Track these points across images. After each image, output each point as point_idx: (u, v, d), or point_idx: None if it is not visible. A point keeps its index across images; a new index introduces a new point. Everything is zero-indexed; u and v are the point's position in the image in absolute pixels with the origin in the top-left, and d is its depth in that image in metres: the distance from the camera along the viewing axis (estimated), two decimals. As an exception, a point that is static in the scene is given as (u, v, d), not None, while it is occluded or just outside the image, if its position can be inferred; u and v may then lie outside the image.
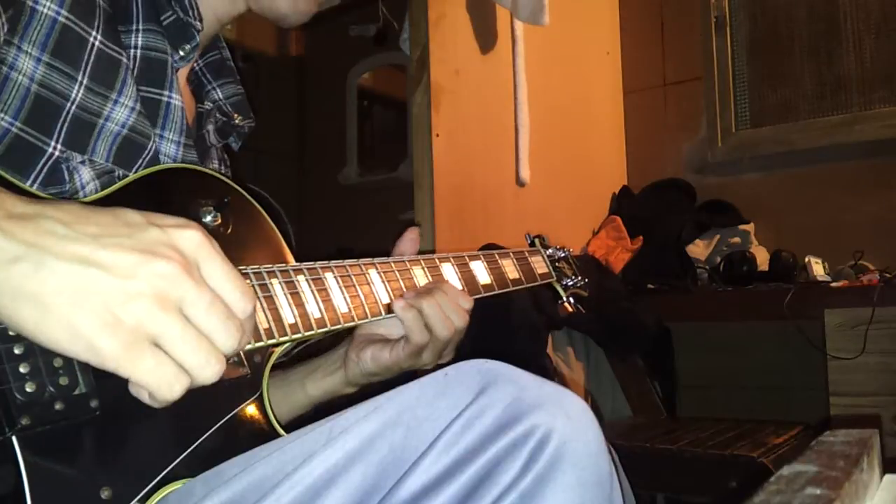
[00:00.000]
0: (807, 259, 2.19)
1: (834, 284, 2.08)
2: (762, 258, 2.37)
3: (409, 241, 0.96)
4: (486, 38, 2.20)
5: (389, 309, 0.85)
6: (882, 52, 2.53)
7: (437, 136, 1.96)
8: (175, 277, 0.50)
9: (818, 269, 2.18)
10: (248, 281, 0.67)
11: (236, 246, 0.73)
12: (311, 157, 3.53)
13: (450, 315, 0.87)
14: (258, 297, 0.68)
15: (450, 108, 2.01)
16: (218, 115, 0.96)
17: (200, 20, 0.84)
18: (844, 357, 1.89)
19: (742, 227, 2.57)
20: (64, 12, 0.70)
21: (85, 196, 0.70)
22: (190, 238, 0.53)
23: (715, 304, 2.31)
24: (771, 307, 2.09)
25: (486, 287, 0.98)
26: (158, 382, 0.49)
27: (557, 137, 2.48)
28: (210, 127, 0.94)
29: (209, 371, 0.51)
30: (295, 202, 3.42)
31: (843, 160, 2.50)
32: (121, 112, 0.74)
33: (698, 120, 2.81)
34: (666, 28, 2.91)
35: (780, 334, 2.34)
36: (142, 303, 0.49)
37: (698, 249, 2.57)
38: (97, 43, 0.73)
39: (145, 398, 0.52)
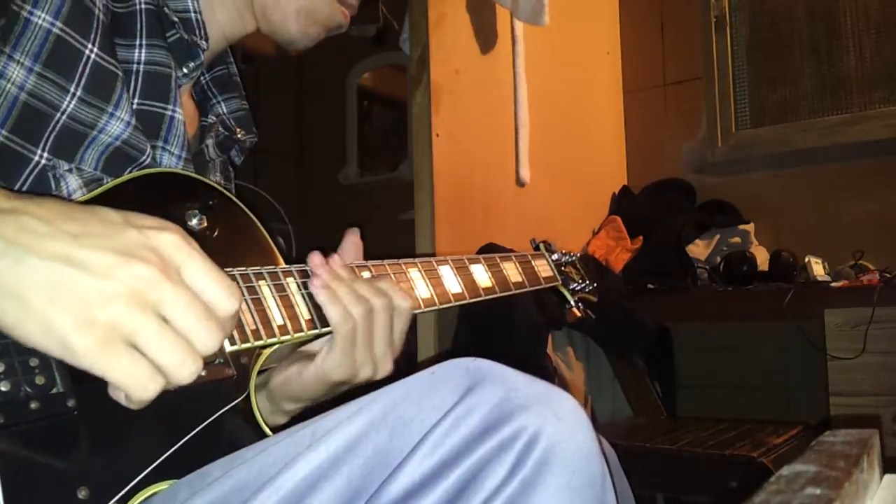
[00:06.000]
0: (807, 259, 2.19)
1: (834, 284, 2.07)
2: (762, 258, 2.37)
3: (350, 246, 0.83)
4: (486, 38, 2.19)
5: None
6: (882, 52, 2.52)
7: (437, 136, 1.96)
8: (152, 279, 0.50)
9: (818, 269, 2.18)
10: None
11: (223, 249, 0.72)
12: (311, 157, 3.53)
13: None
14: (245, 299, 0.67)
15: (450, 108, 2.01)
16: (220, 128, 0.95)
17: (206, 39, 0.84)
18: (844, 357, 1.88)
19: (742, 227, 2.57)
20: (59, 24, 0.70)
21: None
22: (168, 240, 0.53)
23: (715, 304, 2.30)
24: (771, 307, 2.09)
25: (487, 290, 0.96)
26: (132, 382, 0.49)
27: (557, 137, 2.48)
28: (210, 141, 0.93)
29: (185, 371, 0.51)
30: (295, 202, 3.42)
31: (843, 160, 2.49)
32: (116, 125, 0.73)
33: (698, 120, 2.80)
34: (666, 28, 2.90)
35: (780, 334, 2.34)
36: (118, 303, 0.49)
37: (698, 249, 2.56)
38: (93, 56, 0.72)
39: (122, 399, 0.52)
